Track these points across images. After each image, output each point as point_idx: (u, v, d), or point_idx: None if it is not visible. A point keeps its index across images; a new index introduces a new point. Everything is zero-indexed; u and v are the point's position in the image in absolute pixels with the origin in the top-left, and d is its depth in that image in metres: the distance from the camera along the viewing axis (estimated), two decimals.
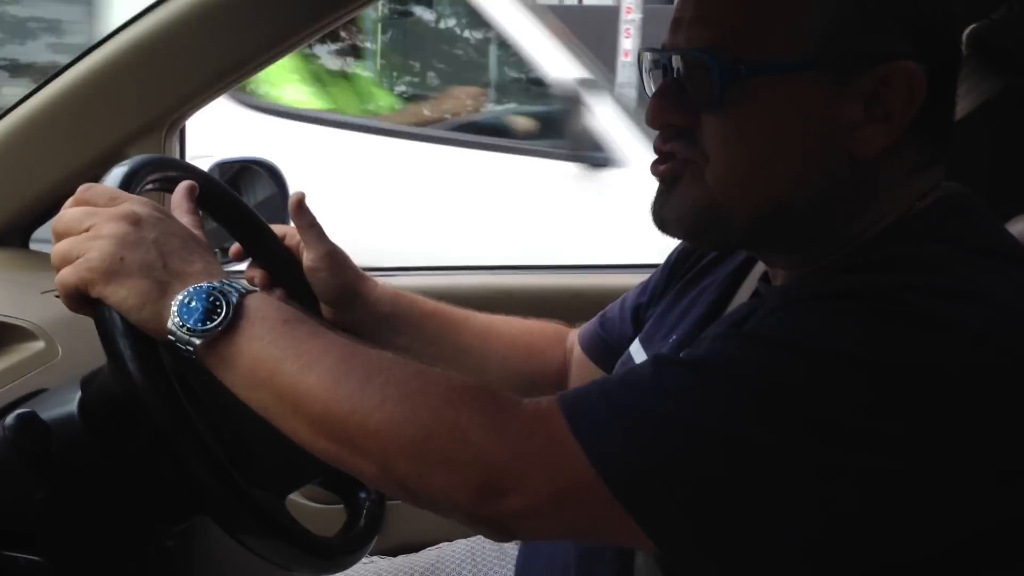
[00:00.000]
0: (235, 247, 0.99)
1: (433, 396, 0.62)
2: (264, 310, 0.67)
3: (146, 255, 0.67)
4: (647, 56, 0.78)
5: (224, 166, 1.49)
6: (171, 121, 1.24)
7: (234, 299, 0.66)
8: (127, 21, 1.20)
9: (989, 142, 1.33)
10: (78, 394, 0.77)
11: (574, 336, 1.13)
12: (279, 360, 0.64)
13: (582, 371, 1.09)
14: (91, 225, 0.68)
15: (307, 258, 0.99)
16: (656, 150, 0.74)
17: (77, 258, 0.67)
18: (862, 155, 0.67)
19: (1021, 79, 1.30)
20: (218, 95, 1.25)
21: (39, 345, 1.01)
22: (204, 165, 1.08)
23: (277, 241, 1.00)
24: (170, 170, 0.85)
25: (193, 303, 0.65)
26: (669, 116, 0.72)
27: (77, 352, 1.03)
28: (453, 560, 1.12)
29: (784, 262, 0.76)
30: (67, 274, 0.67)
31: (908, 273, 0.63)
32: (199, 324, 0.64)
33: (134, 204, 0.70)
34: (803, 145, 0.68)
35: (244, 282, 0.69)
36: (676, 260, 0.99)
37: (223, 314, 0.65)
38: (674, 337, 0.90)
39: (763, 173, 0.69)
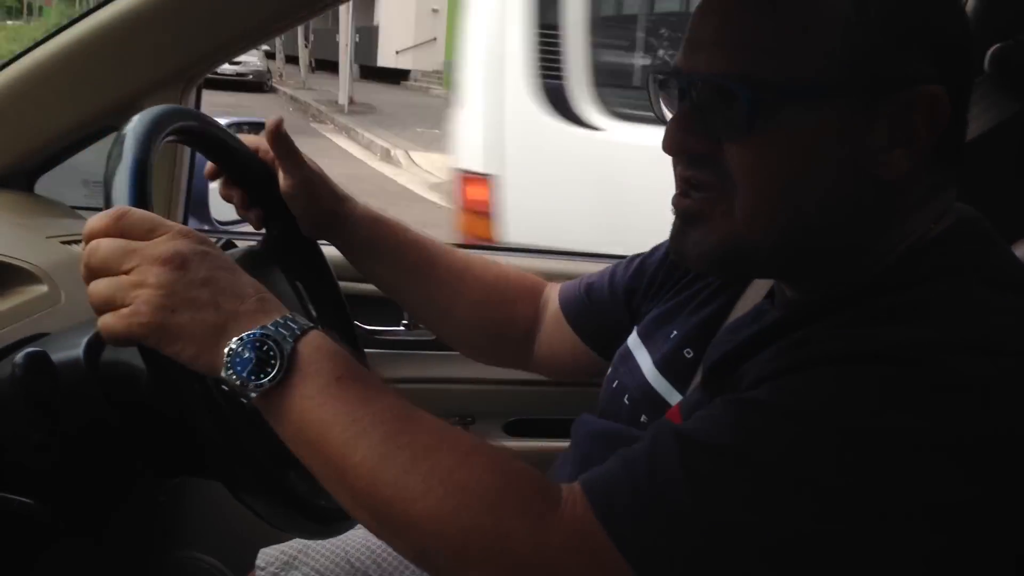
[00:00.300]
0: (209, 166, 0.98)
1: (476, 496, 0.61)
2: (318, 363, 0.65)
3: (197, 302, 0.64)
4: (658, 76, 0.76)
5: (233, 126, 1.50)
6: (189, 76, 1.23)
7: (288, 347, 0.63)
8: None
9: (999, 163, 1.33)
10: (84, 339, 0.77)
11: (551, 292, 1.12)
12: (328, 425, 0.63)
13: (556, 329, 1.08)
14: (132, 267, 0.64)
15: (283, 185, 0.99)
16: (678, 178, 0.72)
17: (122, 306, 0.64)
18: (888, 178, 0.67)
19: None
20: (239, 53, 1.24)
21: (42, 289, 1.00)
22: None
23: (252, 160, 0.99)
24: (191, 120, 0.85)
25: (246, 353, 0.63)
26: (689, 143, 0.70)
27: (80, 298, 1.02)
28: None
29: (800, 286, 0.75)
30: (114, 324, 0.64)
31: (933, 326, 0.61)
32: (251, 377, 0.63)
33: (177, 240, 0.66)
34: (830, 171, 0.67)
35: (300, 320, 0.67)
36: None
37: (276, 367, 0.63)
38: (675, 333, 0.90)
39: (791, 201, 0.67)
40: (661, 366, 0.89)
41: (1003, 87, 1.33)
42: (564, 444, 0.99)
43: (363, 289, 1.56)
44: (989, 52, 1.32)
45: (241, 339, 0.63)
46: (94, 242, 0.66)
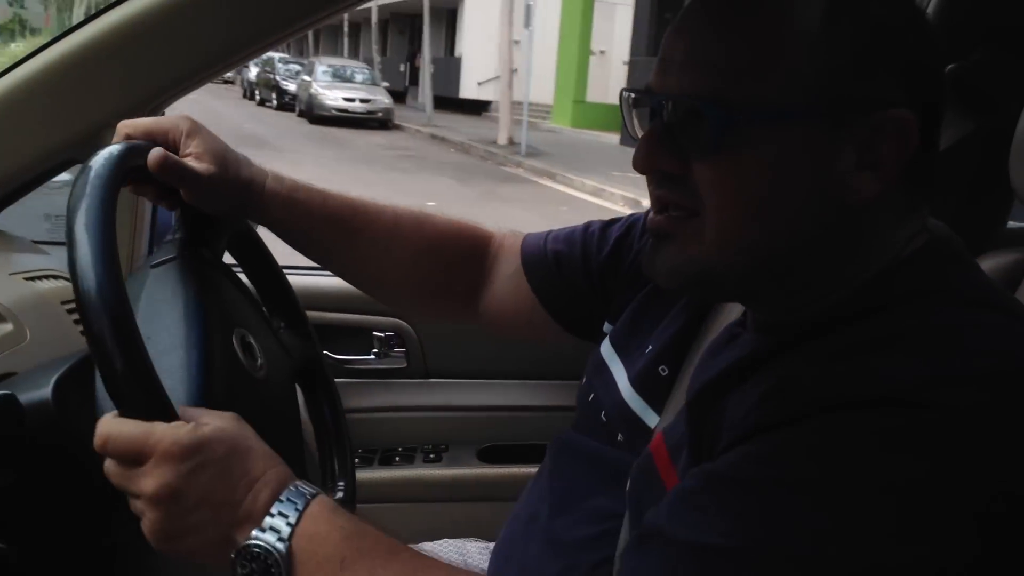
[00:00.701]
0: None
1: None
2: (320, 550, 0.66)
3: (196, 527, 0.66)
4: (630, 95, 0.76)
5: None
6: (154, 106, 1.22)
7: (283, 548, 0.65)
8: (114, 2, 1.18)
9: (956, 181, 1.36)
10: (51, 379, 0.76)
11: (504, 246, 1.08)
12: None
13: (513, 289, 1.05)
14: (135, 493, 0.67)
15: (185, 197, 0.89)
16: (652, 197, 0.73)
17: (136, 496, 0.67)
18: (854, 201, 0.67)
19: (995, 119, 1.34)
20: (202, 84, 1.23)
21: (7, 327, 0.98)
22: None
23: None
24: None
25: (249, 570, 0.65)
26: (659, 162, 0.70)
27: (45, 336, 1.01)
28: None
29: (769, 310, 0.75)
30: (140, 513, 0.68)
31: (917, 359, 0.60)
32: None
33: (162, 469, 0.66)
34: (797, 194, 0.66)
35: (302, 491, 0.68)
36: None
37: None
38: (650, 348, 0.90)
39: (757, 223, 0.67)
40: (636, 383, 0.89)
41: (958, 107, 1.37)
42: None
43: (332, 319, 1.56)
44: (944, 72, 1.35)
45: (240, 552, 0.65)
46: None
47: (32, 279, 1.13)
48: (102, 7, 1.18)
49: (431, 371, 1.60)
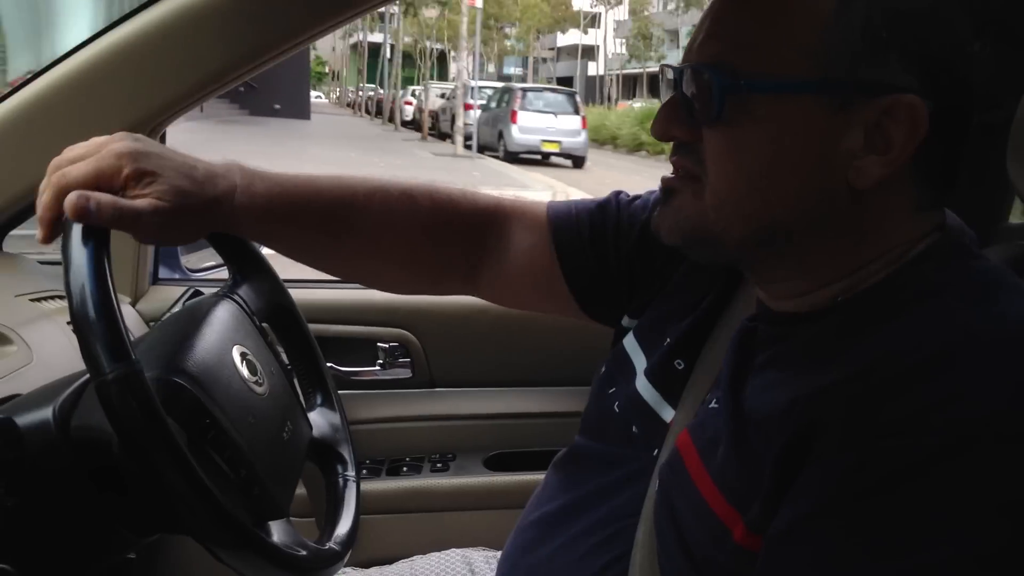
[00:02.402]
0: None
1: None
2: None
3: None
4: (666, 71, 0.78)
5: None
6: (152, 127, 1.23)
7: None
8: (113, 23, 1.20)
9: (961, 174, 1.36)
10: (54, 402, 0.76)
11: (515, 212, 1.02)
12: None
13: (532, 264, 1.00)
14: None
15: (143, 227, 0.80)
16: (671, 163, 0.76)
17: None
18: (860, 184, 0.67)
19: (990, 114, 1.34)
20: (200, 102, 1.24)
21: (12, 349, 0.99)
22: None
23: None
24: None
25: None
26: (672, 129, 0.74)
27: (50, 357, 1.02)
28: (425, 573, 1.13)
29: (775, 289, 0.76)
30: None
31: (971, 391, 0.59)
32: None
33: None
34: (799, 166, 0.68)
35: None
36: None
37: None
38: (668, 340, 0.90)
39: (757, 191, 0.70)
40: (650, 375, 0.89)
41: None
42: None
43: (337, 331, 1.57)
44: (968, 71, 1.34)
45: None
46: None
47: (38, 300, 1.14)
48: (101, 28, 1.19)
49: (436, 380, 1.60)
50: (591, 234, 0.99)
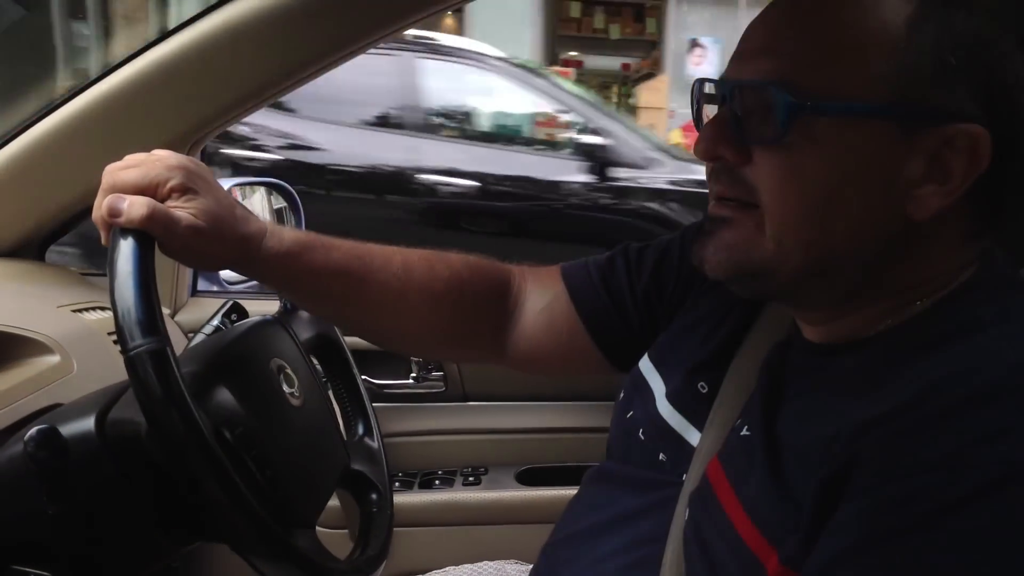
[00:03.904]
0: None
1: None
2: None
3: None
4: (703, 86, 0.75)
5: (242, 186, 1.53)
6: (193, 141, 1.25)
7: None
8: (154, 40, 1.22)
9: None
10: (95, 410, 0.77)
11: (528, 276, 1.03)
12: None
13: (552, 323, 1.00)
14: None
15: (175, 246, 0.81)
16: (711, 190, 0.73)
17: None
18: (918, 216, 0.65)
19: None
20: (242, 117, 1.26)
21: (54, 359, 1.01)
22: None
23: None
24: None
25: None
26: (720, 148, 0.70)
27: (92, 367, 1.03)
28: None
29: (814, 318, 0.74)
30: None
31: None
32: None
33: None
34: (860, 195, 0.65)
35: None
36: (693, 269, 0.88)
37: None
38: (688, 364, 0.88)
39: (817, 219, 0.66)
40: (673, 399, 0.88)
41: None
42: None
43: (370, 344, 1.57)
44: None
45: None
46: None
47: (79, 311, 1.16)
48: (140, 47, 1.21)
49: (469, 394, 1.61)
50: (605, 282, 1.00)
